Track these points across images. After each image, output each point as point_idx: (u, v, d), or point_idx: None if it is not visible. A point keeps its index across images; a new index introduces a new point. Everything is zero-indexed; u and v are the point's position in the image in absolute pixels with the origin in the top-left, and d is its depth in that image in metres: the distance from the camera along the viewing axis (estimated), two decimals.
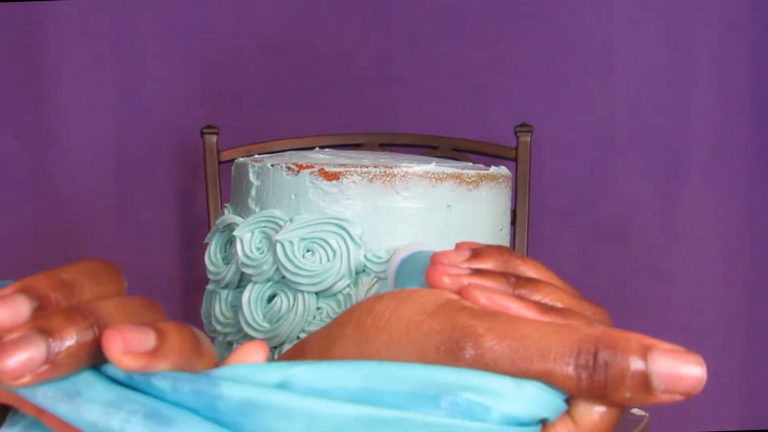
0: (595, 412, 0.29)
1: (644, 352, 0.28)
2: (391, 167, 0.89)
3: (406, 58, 1.67)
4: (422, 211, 0.88)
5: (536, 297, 0.32)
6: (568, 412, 0.29)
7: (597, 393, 0.27)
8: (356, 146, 1.49)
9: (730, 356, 1.67)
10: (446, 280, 0.31)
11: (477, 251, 0.34)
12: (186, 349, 0.27)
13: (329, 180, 0.89)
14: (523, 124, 1.46)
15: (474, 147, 1.48)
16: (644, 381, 0.27)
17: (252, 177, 0.94)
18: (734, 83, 1.64)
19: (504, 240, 1.01)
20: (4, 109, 1.61)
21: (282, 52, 1.66)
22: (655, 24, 1.65)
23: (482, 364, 0.27)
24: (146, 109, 1.65)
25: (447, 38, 1.66)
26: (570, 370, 0.27)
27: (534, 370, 0.27)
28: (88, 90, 1.63)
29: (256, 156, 1.03)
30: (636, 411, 1.04)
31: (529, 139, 1.45)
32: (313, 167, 0.90)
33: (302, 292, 0.84)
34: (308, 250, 0.86)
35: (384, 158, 0.98)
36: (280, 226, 0.88)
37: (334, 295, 0.85)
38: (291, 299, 0.85)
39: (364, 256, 0.84)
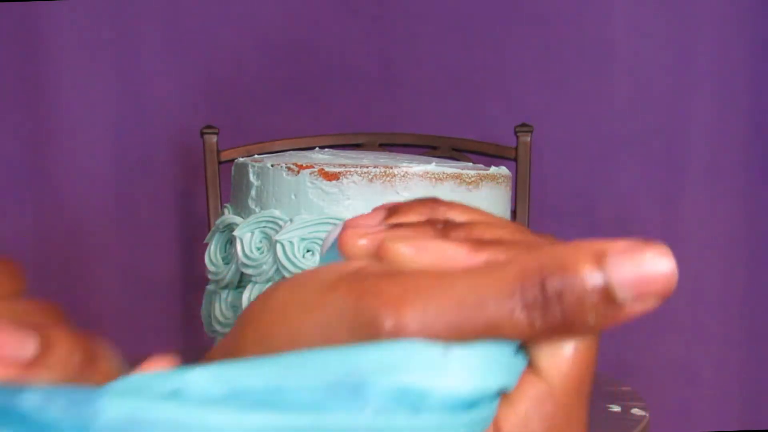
0: (563, 357, 0.23)
1: (598, 262, 0.21)
2: (392, 167, 0.88)
3: (406, 58, 1.67)
4: None
5: (473, 237, 0.26)
6: (531, 368, 0.23)
7: (558, 329, 0.22)
8: (356, 146, 1.49)
9: (730, 356, 1.67)
10: (360, 242, 0.25)
11: (395, 207, 0.27)
12: (75, 363, 0.23)
13: (329, 180, 0.89)
14: (523, 124, 1.46)
15: (474, 147, 1.47)
16: (607, 296, 0.21)
17: (252, 177, 0.94)
18: (734, 83, 1.64)
19: None
20: (4, 109, 1.61)
21: (282, 52, 1.66)
22: (655, 24, 1.65)
23: (403, 333, 0.21)
24: (146, 109, 1.65)
25: (447, 38, 1.66)
26: (517, 314, 0.21)
27: (474, 328, 0.21)
28: (88, 90, 1.63)
29: (256, 156, 1.03)
30: (636, 411, 1.04)
31: (529, 139, 1.45)
32: (313, 167, 0.90)
33: None
34: (308, 251, 0.85)
35: (384, 158, 0.98)
36: (280, 226, 0.88)
37: None
38: None
39: None
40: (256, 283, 0.86)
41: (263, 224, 0.89)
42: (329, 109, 1.67)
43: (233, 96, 1.66)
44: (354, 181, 0.88)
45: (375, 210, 0.27)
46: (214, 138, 1.44)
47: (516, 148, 1.45)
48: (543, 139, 1.59)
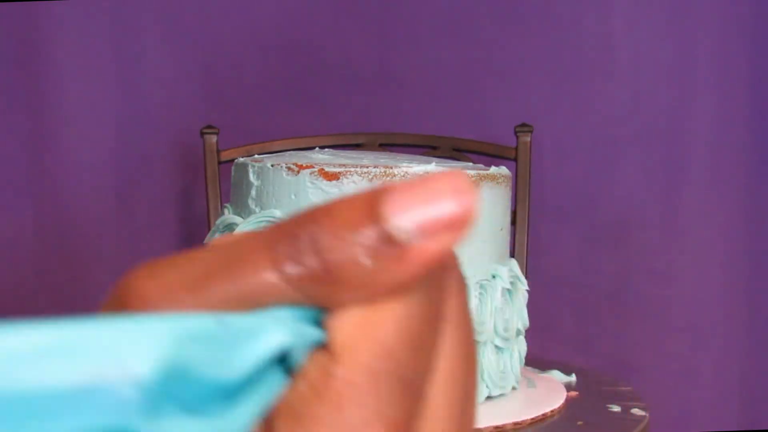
0: (355, 322, 0.18)
1: (369, 204, 0.17)
2: (392, 167, 0.88)
3: (406, 58, 1.67)
4: None
5: None
6: (328, 342, 0.18)
7: (324, 282, 0.17)
8: (356, 146, 1.49)
9: (730, 356, 1.67)
10: None
11: None
12: None
13: (329, 180, 0.89)
14: (523, 124, 1.46)
15: (474, 147, 1.47)
16: (382, 236, 0.17)
17: (252, 177, 0.94)
18: (734, 83, 1.64)
19: (504, 239, 1.00)
20: (4, 109, 1.61)
21: (282, 52, 1.66)
22: (655, 24, 1.65)
23: (150, 305, 0.19)
24: (146, 109, 1.65)
25: (447, 38, 1.66)
26: (265, 270, 0.17)
27: (224, 295, 0.18)
28: (88, 90, 1.63)
29: (256, 156, 1.03)
30: (636, 411, 1.04)
31: (529, 139, 1.45)
32: (313, 167, 0.90)
33: None
34: None
35: (384, 158, 0.97)
36: None
37: None
38: None
39: None
40: None
41: (263, 224, 0.89)
42: (329, 109, 1.67)
43: (233, 96, 1.66)
44: (354, 182, 0.88)
45: None
46: (214, 138, 1.44)
47: (516, 148, 1.45)
48: (543, 139, 1.59)
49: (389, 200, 0.17)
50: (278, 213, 0.90)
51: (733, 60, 1.64)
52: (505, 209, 1.00)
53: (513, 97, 1.66)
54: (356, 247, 0.17)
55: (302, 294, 0.18)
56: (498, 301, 0.97)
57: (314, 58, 1.66)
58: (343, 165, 0.89)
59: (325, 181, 0.88)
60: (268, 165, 0.92)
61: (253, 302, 0.18)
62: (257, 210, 0.92)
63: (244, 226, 0.90)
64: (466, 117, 1.66)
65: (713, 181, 1.66)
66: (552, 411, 1.00)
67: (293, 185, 0.90)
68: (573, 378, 1.14)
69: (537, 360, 1.21)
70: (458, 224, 0.18)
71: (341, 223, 0.17)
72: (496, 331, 0.98)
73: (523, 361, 1.07)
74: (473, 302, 0.97)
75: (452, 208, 0.18)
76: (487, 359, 0.98)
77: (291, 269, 0.17)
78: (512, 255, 1.21)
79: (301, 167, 0.90)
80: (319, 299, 0.18)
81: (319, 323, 0.18)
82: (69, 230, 1.63)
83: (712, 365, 1.68)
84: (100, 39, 1.63)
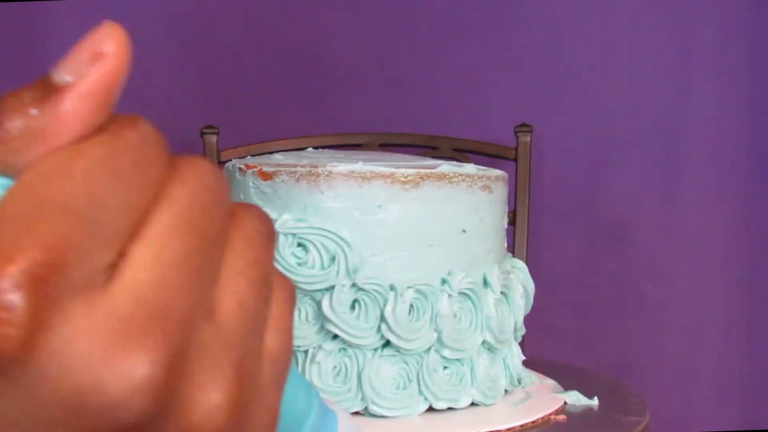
0: (46, 163, 0.18)
1: (42, 79, 0.18)
2: (316, 167, 0.88)
3: (406, 58, 1.67)
4: (349, 211, 0.86)
5: None
6: None
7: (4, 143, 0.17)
8: (356, 146, 1.49)
9: (730, 356, 1.67)
10: None
11: None
12: None
13: (265, 180, 0.89)
14: (523, 124, 1.46)
15: (474, 147, 1.47)
16: (46, 85, 0.18)
17: (227, 179, 0.96)
18: (734, 83, 1.64)
19: (470, 242, 0.97)
20: None
21: (282, 52, 1.66)
22: (655, 24, 1.65)
23: None
24: (146, 109, 1.64)
25: (447, 38, 1.66)
26: None
27: None
28: None
29: (248, 158, 1.03)
30: (636, 411, 1.04)
31: (529, 139, 1.45)
32: (255, 168, 0.90)
33: None
34: None
35: (324, 157, 0.97)
36: None
37: None
38: None
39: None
40: None
41: None
42: (329, 109, 1.66)
43: (233, 96, 1.66)
44: (284, 181, 0.88)
45: None
46: (214, 138, 1.44)
47: (516, 148, 1.45)
48: (543, 139, 1.59)
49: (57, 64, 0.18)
50: None
51: (733, 60, 1.64)
52: (469, 209, 0.97)
53: (513, 97, 1.66)
54: (21, 99, 0.18)
55: None
56: (490, 309, 0.96)
57: (314, 58, 1.66)
58: (278, 165, 0.89)
59: (262, 181, 0.89)
60: (229, 167, 0.94)
61: None
62: None
63: None
64: (466, 117, 1.66)
65: (713, 182, 1.66)
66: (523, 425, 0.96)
67: (241, 186, 0.91)
68: (595, 401, 1.05)
69: (537, 360, 1.21)
70: (107, 58, 0.19)
71: (19, 90, 0.18)
72: (484, 341, 0.96)
73: (519, 368, 1.05)
74: (456, 313, 0.94)
75: (99, 45, 0.19)
76: (479, 366, 0.97)
77: None
78: (512, 255, 1.21)
79: (248, 167, 0.90)
80: (4, 165, 0.18)
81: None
82: None
83: (712, 365, 1.68)
84: None
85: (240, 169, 0.91)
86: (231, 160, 1.06)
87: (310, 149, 1.16)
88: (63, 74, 0.19)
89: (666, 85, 1.65)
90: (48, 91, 0.18)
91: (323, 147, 1.42)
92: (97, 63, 0.19)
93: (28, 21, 1.60)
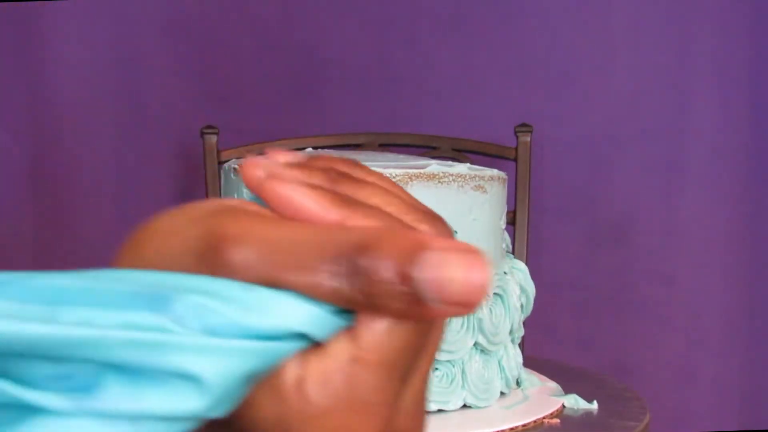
0: (378, 331, 0.23)
1: (411, 255, 0.22)
2: None
3: (405, 58, 1.67)
4: None
5: (358, 196, 0.26)
6: (349, 332, 0.24)
7: (363, 302, 0.23)
8: (356, 146, 1.49)
9: (730, 357, 1.67)
10: (256, 172, 0.26)
11: (312, 156, 0.29)
12: None
13: None
14: (523, 124, 1.46)
15: (474, 147, 1.47)
16: (411, 291, 0.22)
17: (222, 179, 0.96)
18: (734, 83, 1.64)
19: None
20: (4, 109, 1.61)
21: (282, 52, 1.66)
22: (655, 24, 1.65)
23: (231, 271, 0.23)
24: (146, 109, 1.65)
25: (447, 38, 1.66)
26: (326, 278, 0.23)
27: (290, 281, 0.23)
28: (88, 90, 1.63)
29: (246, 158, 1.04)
30: (636, 411, 1.04)
31: (529, 139, 1.45)
32: None
33: None
34: None
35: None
36: None
37: None
38: None
39: None
40: None
41: None
42: (329, 109, 1.66)
43: (233, 96, 1.66)
44: None
45: (292, 153, 0.29)
46: (214, 138, 1.44)
47: (516, 148, 1.45)
48: (543, 139, 1.59)
49: (425, 260, 0.22)
50: None
51: (733, 60, 1.64)
52: (460, 210, 0.96)
53: (513, 97, 1.66)
54: (392, 290, 0.22)
55: (343, 303, 0.23)
56: (482, 311, 0.95)
57: (314, 58, 1.66)
58: None
59: None
60: (225, 167, 0.94)
61: (308, 292, 0.23)
62: None
63: None
64: (466, 117, 1.66)
65: (713, 182, 1.66)
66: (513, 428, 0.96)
67: (236, 186, 0.91)
68: (594, 405, 1.05)
69: (537, 360, 1.21)
70: (470, 304, 0.22)
71: (388, 262, 0.22)
72: (476, 343, 0.96)
73: (516, 370, 1.05)
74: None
75: (466, 292, 0.22)
76: (470, 368, 0.96)
77: (344, 286, 0.23)
78: (513, 255, 1.20)
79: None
80: (354, 308, 0.23)
81: (336, 312, 0.24)
82: (69, 230, 1.63)
83: (712, 365, 1.68)
84: (100, 39, 1.63)
85: (235, 169, 0.91)
86: (231, 160, 1.07)
87: (310, 149, 1.16)
88: (428, 293, 0.22)
89: (666, 85, 1.65)
90: (414, 296, 0.22)
91: (323, 147, 1.42)
92: (460, 306, 0.22)
93: (28, 21, 1.60)
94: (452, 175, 0.92)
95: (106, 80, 1.63)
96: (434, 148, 1.47)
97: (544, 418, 0.98)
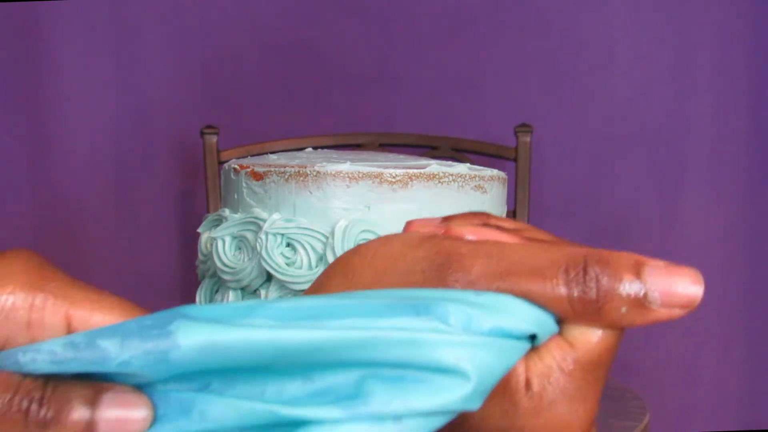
0: (592, 333, 0.27)
1: (637, 267, 0.26)
2: (305, 167, 0.88)
3: (406, 58, 1.67)
4: (337, 212, 0.86)
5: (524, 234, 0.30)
6: (561, 335, 0.27)
7: (590, 309, 0.26)
8: (356, 146, 1.49)
9: (730, 356, 1.67)
10: (423, 229, 0.30)
11: (450, 216, 0.33)
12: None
13: (257, 180, 0.90)
14: (523, 124, 1.46)
15: (474, 147, 1.47)
16: (639, 295, 0.26)
17: (223, 179, 0.97)
18: (734, 83, 1.64)
19: None
20: (4, 109, 1.61)
21: (282, 52, 1.66)
22: (655, 24, 1.65)
23: (468, 283, 0.26)
24: (146, 109, 1.65)
25: (447, 38, 1.66)
26: (560, 285, 0.26)
27: (523, 288, 0.26)
28: (87, 90, 1.63)
29: (248, 158, 1.04)
30: (636, 411, 1.04)
31: (529, 139, 1.45)
32: (248, 168, 0.91)
33: (229, 288, 0.85)
34: (238, 249, 0.87)
35: (316, 157, 0.97)
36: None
37: (254, 292, 0.84)
38: (222, 297, 0.86)
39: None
40: (204, 278, 0.88)
41: (213, 223, 0.91)
42: (329, 109, 1.66)
43: (233, 96, 1.66)
44: (274, 181, 0.88)
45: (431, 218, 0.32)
46: (214, 138, 1.44)
47: (516, 148, 1.45)
48: (543, 139, 1.59)
49: (650, 267, 0.26)
50: (227, 212, 0.91)
51: (733, 59, 1.64)
52: (459, 209, 0.97)
53: (513, 97, 1.66)
54: (622, 296, 0.26)
55: (571, 309, 0.26)
56: None
57: (314, 58, 1.66)
58: (269, 165, 0.90)
59: (253, 181, 0.89)
60: (225, 167, 0.95)
61: (537, 301, 0.26)
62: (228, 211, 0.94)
63: (204, 224, 0.91)
64: (466, 117, 1.66)
65: (713, 181, 1.66)
66: None
67: (235, 185, 0.92)
68: None
69: None
70: (689, 309, 0.26)
71: (616, 272, 0.26)
72: None
73: None
74: None
75: (691, 298, 0.26)
76: None
77: (576, 292, 0.26)
78: None
79: (241, 168, 0.91)
80: (577, 317, 0.27)
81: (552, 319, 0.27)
82: (69, 230, 1.63)
83: (712, 365, 1.68)
84: (100, 39, 1.63)
85: (234, 169, 0.92)
86: (231, 160, 1.07)
87: (310, 149, 1.16)
88: (656, 298, 0.26)
89: (666, 85, 1.65)
90: (641, 299, 0.26)
91: (323, 147, 1.42)
92: (680, 308, 0.26)
93: (28, 21, 1.60)
94: (452, 175, 0.92)
95: (106, 80, 1.63)
96: (434, 148, 1.47)
97: None
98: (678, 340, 1.67)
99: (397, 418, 0.23)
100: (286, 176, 0.88)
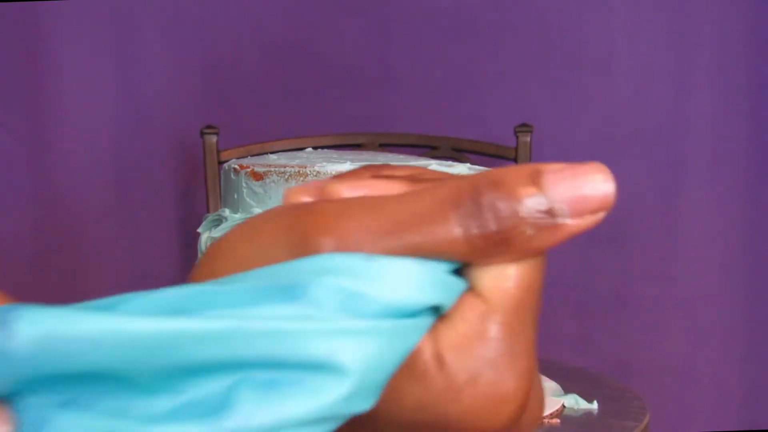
0: (504, 277, 0.22)
1: (534, 179, 0.22)
2: (305, 167, 0.88)
3: (406, 58, 1.67)
4: None
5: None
6: (472, 290, 0.23)
7: (494, 243, 0.21)
8: (356, 146, 1.49)
9: (730, 356, 1.67)
10: (303, 197, 0.25)
11: (341, 174, 0.27)
12: None
13: (257, 180, 0.90)
14: (523, 124, 1.46)
15: (474, 147, 1.47)
16: (544, 211, 0.22)
17: (222, 179, 0.97)
18: (734, 83, 1.64)
19: None
20: (4, 109, 1.61)
21: (282, 52, 1.66)
22: (655, 24, 1.65)
23: (341, 247, 0.21)
24: (146, 109, 1.65)
25: (447, 38, 1.66)
26: (453, 225, 0.21)
27: (410, 242, 0.21)
28: (87, 90, 1.63)
29: (248, 158, 1.04)
30: (636, 411, 1.04)
31: (529, 139, 1.45)
32: (248, 168, 0.91)
33: None
34: None
35: (315, 157, 0.97)
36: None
37: None
38: None
39: None
40: None
41: (213, 223, 0.91)
42: (329, 109, 1.66)
43: (233, 96, 1.66)
44: (274, 181, 0.88)
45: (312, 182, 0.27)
46: (214, 138, 1.44)
47: (516, 148, 1.45)
48: (543, 139, 1.59)
49: (548, 173, 0.22)
50: (227, 212, 0.91)
51: (733, 60, 1.64)
52: None
53: (513, 97, 1.66)
54: (525, 217, 0.21)
55: (473, 250, 0.22)
56: None
57: (314, 58, 1.66)
58: (268, 165, 0.90)
59: (253, 181, 0.89)
60: (225, 167, 0.95)
61: (432, 252, 0.22)
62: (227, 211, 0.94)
63: (204, 224, 0.91)
64: (466, 117, 1.66)
65: (713, 181, 1.66)
66: None
67: (235, 185, 0.92)
68: (594, 405, 1.04)
69: (537, 361, 1.20)
70: (603, 206, 0.22)
71: (512, 192, 0.21)
72: None
73: None
74: None
75: (601, 199, 0.22)
76: None
77: (474, 229, 0.21)
78: None
79: (241, 168, 0.91)
80: (483, 256, 0.22)
81: (456, 272, 0.22)
82: (69, 230, 1.63)
83: (712, 365, 1.68)
84: (100, 39, 1.63)
85: (234, 169, 0.92)
86: (231, 160, 1.07)
87: (310, 149, 1.17)
88: (563, 208, 0.22)
89: (666, 85, 1.65)
90: (546, 214, 0.22)
91: (323, 147, 1.42)
92: (593, 212, 0.22)
93: (28, 21, 1.60)
94: (452, 175, 0.93)
95: (106, 80, 1.63)
96: (434, 148, 1.47)
97: (544, 418, 0.98)
98: (678, 340, 1.67)
99: (270, 430, 0.20)
100: (286, 176, 0.88)
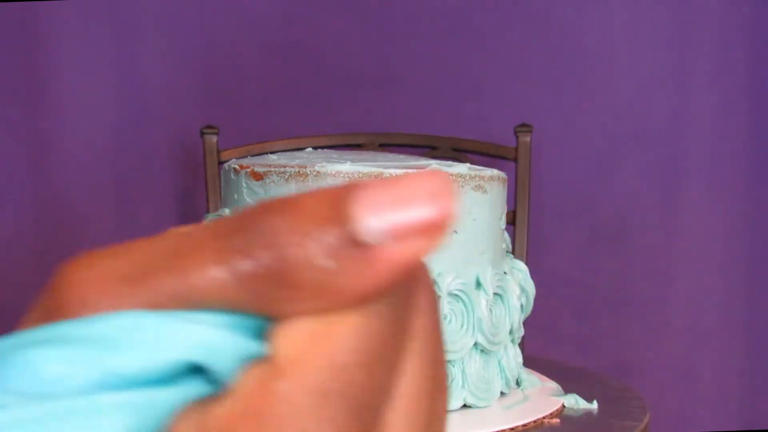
0: (298, 335, 0.15)
1: (335, 204, 0.15)
2: (305, 167, 0.88)
3: (406, 58, 1.67)
4: None
5: None
6: (268, 358, 0.16)
7: (276, 283, 0.15)
8: (356, 146, 1.49)
9: (730, 356, 1.67)
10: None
11: None
12: None
13: (257, 180, 0.90)
14: (523, 124, 1.46)
15: (474, 147, 1.47)
16: (346, 239, 0.15)
17: (222, 179, 0.96)
18: (734, 83, 1.64)
19: (461, 244, 0.96)
20: (4, 109, 1.61)
21: (282, 52, 1.66)
22: (655, 24, 1.65)
23: (82, 309, 0.16)
24: (146, 109, 1.65)
25: (447, 38, 1.66)
26: (211, 262, 0.16)
27: (165, 289, 0.16)
28: (87, 90, 1.63)
29: (249, 158, 1.04)
30: (636, 411, 1.04)
31: (529, 139, 1.45)
32: (248, 168, 0.91)
33: None
34: None
35: (316, 157, 0.97)
36: None
37: None
38: None
39: None
40: None
41: None
42: (329, 109, 1.66)
43: (233, 96, 1.66)
44: (274, 181, 0.88)
45: None
46: (214, 138, 1.44)
47: (516, 148, 1.45)
48: (543, 139, 1.59)
49: (359, 197, 0.15)
50: (227, 212, 0.91)
51: (733, 60, 1.64)
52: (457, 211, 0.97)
53: (513, 97, 1.66)
54: (318, 246, 0.15)
55: (250, 295, 0.16)
56: (482, 311, 0.95)
57: (314, 58, 1.66)
58: (269, 165, 0.89)
59: (254, 181, 0.89)
60: (225, 167, 0.95)
61: (197, 302, 0.16)
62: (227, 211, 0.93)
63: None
64: (466, 117, 1.66)
65: (713, 181, 1.66)
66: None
67: (235, 185, 0.92)
68: (594, 405, 1.04)
69: (537, 360, 1.21)
70: (433, 229, 0.16)
71: (303, 217, 0.15)
72: (476, 343, 0.96)
73: (516, 370, 1.04)
74: (446, 314, 0.94)
75: (428, 212, 0.16)
76: (470, 368, 0.96)
77: (241, 264, 0.15)
78: (513, 255, 1.20)
79: (241, 168, 0.91)
80: (269, 303, 0.16)
81: (262, 335, 0.16)
82: (69, 230, 1.63)
83: (712, 365, 1.68)
84: (100, 39, 1.63)
85: (234, 169, 0.92)
86: (231, 160, 1.07)
87: (310, 149, 1.16)
88: (374, 229, 0.15)
89: (666, 85, 1.65)
90: (351, 242, 0.15)
91: (323, 147, 1.42)
92: (420, 236, 0.15)
93: (28, 21, 1.60)
94: (452, 175, 0.93)
95: (105, 80, 1.63)
96: (434, 148, 1.47)
97: (544, 418, 0.98)
98: (678, 340, 1.67)
99: None
100: (286, 176, 0.88)
